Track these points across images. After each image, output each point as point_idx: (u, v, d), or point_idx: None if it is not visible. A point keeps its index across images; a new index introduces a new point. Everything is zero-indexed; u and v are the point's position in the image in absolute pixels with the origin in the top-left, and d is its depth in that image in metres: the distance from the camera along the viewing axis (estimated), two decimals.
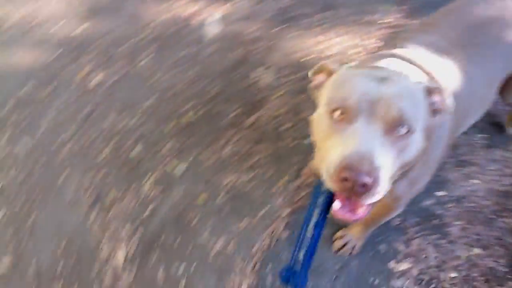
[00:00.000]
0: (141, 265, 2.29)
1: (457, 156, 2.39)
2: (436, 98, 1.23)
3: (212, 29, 3.03)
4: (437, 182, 2.33)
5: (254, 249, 2.25)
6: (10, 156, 2.71)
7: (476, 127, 2.44)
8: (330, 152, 1.10)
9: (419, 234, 2.21)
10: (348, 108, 1.11)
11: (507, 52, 1.70)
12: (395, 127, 1.10)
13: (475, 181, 2.33)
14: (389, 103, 1.10)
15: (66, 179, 2.58)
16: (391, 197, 1.51)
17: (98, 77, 2.96)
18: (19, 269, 2.37)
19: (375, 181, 1.03)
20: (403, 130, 1.11)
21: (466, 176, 2.34)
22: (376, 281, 2.13)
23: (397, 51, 1.53)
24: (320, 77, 1.33)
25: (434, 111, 1.24)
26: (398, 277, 2.13)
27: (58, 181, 2.59)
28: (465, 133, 2.38)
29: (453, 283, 2.09)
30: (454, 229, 2.22)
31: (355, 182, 1.01)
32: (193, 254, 2.29)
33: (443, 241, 2.19)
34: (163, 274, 2.26)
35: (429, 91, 1.22)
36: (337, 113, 1.13)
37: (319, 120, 1.22)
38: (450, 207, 2.27)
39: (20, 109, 2.88)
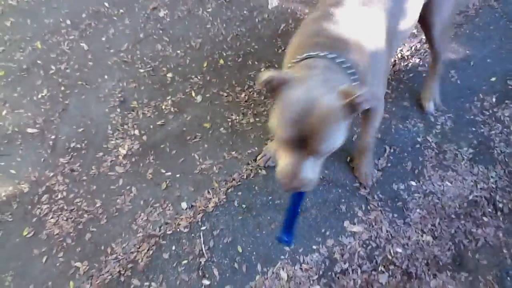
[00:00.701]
0: (136, 162, 2.47)
1: (441, 159, 2.40)
2: (353, 100, 1.38)
3: (276, 1, 3.21)
4: (414, 173, 2.36)
5: (233, 177, 2.36)
6: (66, 53, 2.99)
7: (466, 141, 2.46)
8: (279, 165, 1.49)
9: (380, 208, 2.25)
10: (286, 145, 1.43)
11: None
12: (320, 153, 1.42)
13: (449, 184, 2.34)
14: (313, 141, 1.38)
15: (104, 81, 2.82)
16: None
17: (163, 12, 3.19)
18: (42, 136, 2.61)
19: (303, 186, 1.46)
20: (327, 152, 1.44)
21: (442, 177, 2.35)
22: (327, 233, 2.19)
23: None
24: (270, 79, 1.45)
25: (354, 107, 1.41)
26: (348, 236, 2.18)
27: (97, 81, 2.82)
28: (456, 144, 2.42)
29: (396, 257, 2.12)
30: (414, 215, 2.24)
31: (291, 190, 1.49)
32: (181, 165, 2.43)
33: (399, 221, 2.22)
34: (151, 174, 2.42)
35: (346, 95, 1.38)
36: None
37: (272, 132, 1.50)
38: (417, 196, 2.29)
39: (91, 20, 3.16)
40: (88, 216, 2.28)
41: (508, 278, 2.05)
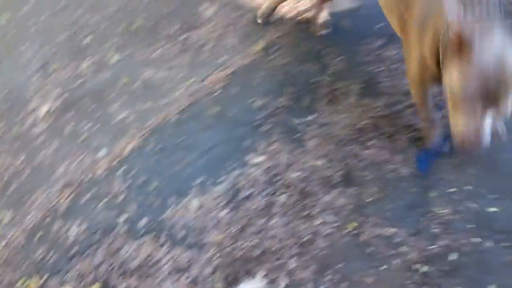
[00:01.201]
0: (56, 119, 2.52)
1: (334, 94, 2.54)
2: None
3: None
4: (309, 109, 2.49)
5: (147, 124, 2.43)
6: None
7: (356, 79, 2.61)
8: (458, 124, 1.44)
9: (280, 141, 2.37)
10: (469, 102, 1.38)
11: None
12: (503, 112, 1.42)
13: (341, 115, 2.48)
14: (503, 100, 1.35)
15: (25, 49, 2.81)
16: None
17: None
18: None
19: (483, 147, 1.42)
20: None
21: (335, 110, 2.50)
22: (233, 165, 2.32)
23: None
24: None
25: None
26: (251, 166, 2.30)
27: (19, 49, 2.80)
28: (346, 81, 2.57)
29: (294, 180, 2.26)
30: (310, 144, 2.38)
31: (471, 148, 1.43)
32: (100, 118, 2.49)
33: (297, 150, 2.36)
34: (70, 129, 2.47)
35: None
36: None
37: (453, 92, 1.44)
38: (313, 128, 2.43)
39: None
40: (12, 170, 2.30)
41: (390, 188, 2.23)
